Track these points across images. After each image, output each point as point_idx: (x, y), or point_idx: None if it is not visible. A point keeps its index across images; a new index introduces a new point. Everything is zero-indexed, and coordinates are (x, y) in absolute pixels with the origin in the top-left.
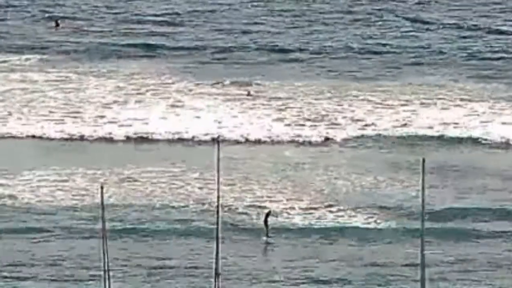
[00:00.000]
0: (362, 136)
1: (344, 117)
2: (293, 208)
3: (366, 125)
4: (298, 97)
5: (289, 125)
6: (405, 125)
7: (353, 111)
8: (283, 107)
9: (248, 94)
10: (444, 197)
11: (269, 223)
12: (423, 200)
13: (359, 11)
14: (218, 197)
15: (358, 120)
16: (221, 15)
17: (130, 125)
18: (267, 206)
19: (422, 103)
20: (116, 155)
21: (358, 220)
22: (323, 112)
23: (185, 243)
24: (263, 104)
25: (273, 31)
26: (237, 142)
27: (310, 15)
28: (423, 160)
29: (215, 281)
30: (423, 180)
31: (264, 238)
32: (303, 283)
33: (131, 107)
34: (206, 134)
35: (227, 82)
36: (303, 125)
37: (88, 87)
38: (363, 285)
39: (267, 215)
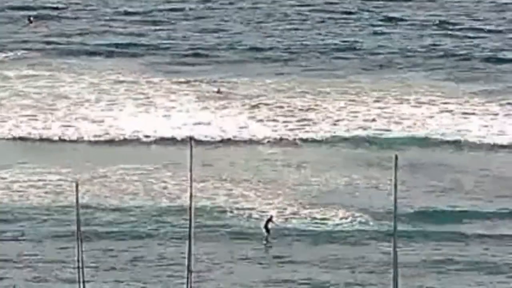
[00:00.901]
0: (335, 133)
1: (317, 114)
2: (269, 206)
3: (338, 122)
4: (269, 94)
5: (261, 122)
6: (377, 122)
7: (325, 108)
8: (254, 104)
9: (218, 92)
10: (415, 197)
11: (270, 227)
12: (395, 197)
13: (333, 9)
14: (191, 195)
15: (330, 117)
16: (194, 14)
17: (102, 123)
18: (245, 206)
19: (395, 100)
20: (89, 153)
21: (332, 219)
22: (296, 110)
23: (157, 241)
24: (235, 101)
25: (246, 30)
26: (210, 141)
27: (285, 14)
28: (396, 157)
29: (188, 278)
30: (395, 177)
31: (264, 242)
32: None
33: (104, 105)
34: (178, 132)
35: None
36: (275, 121)
37: (61, 85)
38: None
39: (268, 220)
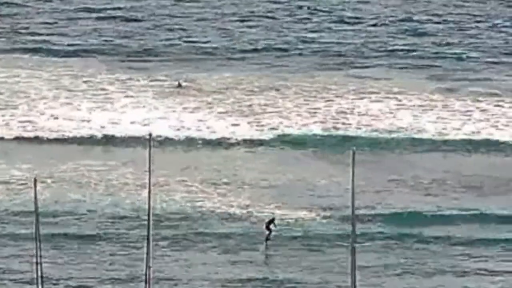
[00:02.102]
0: (294, 129)
1: (276, 110)
2: (227, 205)
3: (297, 118)
4: (228, 90)
5: (221, 118)
6: (337, 118)
7: (284, 104)
8: (213, 100)
9: (179, 85)
10: (373, 195)
11: (271, 228)
12: (353, 195)
13: (293, 7)
14: (149, 192)
15: (290, 113)
16: (155, 12)
17: (61, 119)
18: (205, 204)
19: (355, 96)
20: (47, 150)
21: (293, 217)
22: (255, 106)
23: (115, 238)
24: (194, 97)
25: (206, 27)
26: (169, 136)
27: (246, 12)
28: (353, 153)
29: (146, 273)
30: (353, 173)
31: (264, 244)
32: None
33: (62, 101)
34: (138, 128)
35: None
36: (234, 117)
37: (20, 82)
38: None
39: (270, 221)
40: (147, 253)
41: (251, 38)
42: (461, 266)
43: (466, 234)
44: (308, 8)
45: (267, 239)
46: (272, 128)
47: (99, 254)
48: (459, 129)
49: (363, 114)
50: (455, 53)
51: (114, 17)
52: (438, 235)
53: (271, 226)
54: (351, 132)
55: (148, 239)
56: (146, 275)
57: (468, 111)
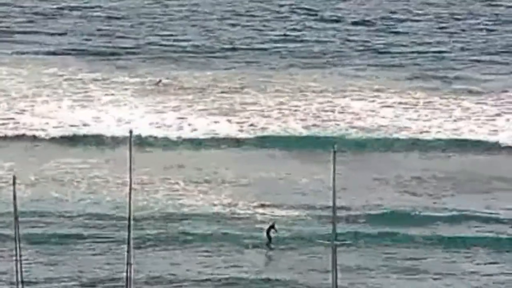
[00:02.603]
0: (275, 128)
1: (257, 109)
2: (209, 204)
3: (278, 116)
4: (209, 88)
5: (201, 116)
6: (318, 117)
7: (265, 102)
8: (194, 98)
9: (159, 82)
10: (354, 194)
11: (272, 234)
12: (334, 193)
13: (274, 5)
14: (130, 189)
15: (270, 111)
16: (135, 11)
17: (42, 118)
18: (186, 203)
19: (336, 95)
20: (28, 148)
21: (275, 216)
22: (236, 105)
23: (97, 234)
24: (174, 95)
25: (186, 26)
26: (150, 135)
27: (225, 11)
28: (334, 151)
29: (127, 270)
30: (334, 171)
31: (265, 250)
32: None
33: (43, 100)
34: (119, 127)
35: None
36: (215, 115)
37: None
38: None
39: (271, 227)
40: (128, 251)
41: (232, 36)
42: (443, 266)
43: (447, 234)
44: (289, 6)
45: (269, 245)
46: (253, 126)
47: (80, 254)
48: (440, 127)
49: (344, 113)
50: (436, 52)
51: (94, 16)
52: (419, 234)
53: (271, 232)
54: (332, 130)
55: (128, 236)
56: (127, 272)
57: (449, 109)
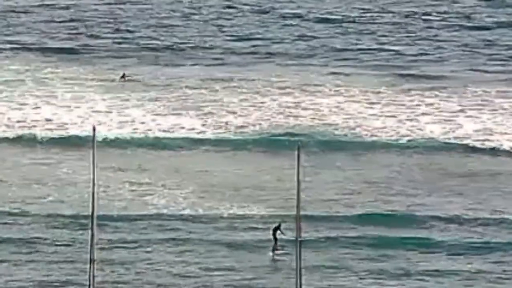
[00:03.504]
0: (239, 125)
1: (221, 106)
2: (174, 203)
3: (242, 114)
4: (172, 85)
5: (165, 113)
6: (282, 114)
7: (229, 100)
8: (157, 95)
9: (123, 76)
10: (317, 194)
11: (277, 236)
12: (298, 190)
13: (236, 5)
14: (94, 185)
15: (234, 108)
16: (97, 10)
17: (4, 116)
18: (148, 200)
19: (300, 93)
20: None
21: (239, 214)
22: (200, 102)
23: (58, 231)
24: (138, 92)
25: (148, 25)
26: (113, 132)
27: (192, 9)
28: (298, 147)
29: (90, 266)
30: (298, 167)
31: (271, 253)
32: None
33: (6, 97)
34: (82, 123)
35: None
36: (180, 114)
37: None
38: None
39: (276, 228)
40: (91, 246)
41: (195, 34)
42: (410, 267)
43: (414, 235)
44: (252, 5)
45: (275, 249)
46: (217, 124)
47: (42, 256)
48: (405, 123)
49: (308, 110)
50: (401, 49)
51: (58, 14)
52: (385, 235)
53: (278, 234)
54: (297, 128)
55: (92, 233)
56: (89, 269)
57: (413, 105)
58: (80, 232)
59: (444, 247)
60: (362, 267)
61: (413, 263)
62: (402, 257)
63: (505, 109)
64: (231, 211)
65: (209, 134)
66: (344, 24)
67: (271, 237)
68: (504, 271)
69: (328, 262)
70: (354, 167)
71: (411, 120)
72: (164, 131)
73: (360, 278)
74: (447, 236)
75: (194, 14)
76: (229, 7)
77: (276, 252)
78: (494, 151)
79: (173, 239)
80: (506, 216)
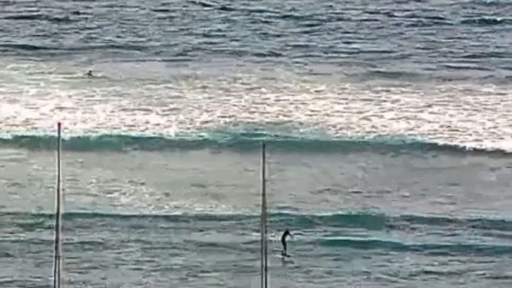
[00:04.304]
0: (204, 122)
1: (186, 103)
2: (140, 202)
3: (209, 111)
4: (138, 81)
5: (130, 110)
6: (249, 110)
7: (194, 97)
8: (123, 91)
9: (89, 73)
10: (281, 193)
11: (286, 241)
12: (263, 187)
13: (204, 2)
14: (59, 182)
15: (200, 106)
16: (62, 7)
17: None
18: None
19: (267, 90)
20: None
21: (201, 210)
22: (164, 99)
23: (26, 229)
24: (104, 87)
25: (109, 23)
26: (79, 128)
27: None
28: (263, 145)
29: (55, 263)
30: (263, 165)
31: (281, 256)
32: None
33: None
34: (47, 120)
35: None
36: (144, 110)
37: None
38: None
39: (285, 233)
40: (56, 241)
41: (159, 32)
42: (374, 268)
43: (368, 236)
44: (216, 2)
45: (284, 254)
46: (182, 121)
47: (6, 257)
48: (370, 120)
49: (274, 106)
50: (366, 46)
51: (23, 10)
52: (340, 238)
53: (287, 238)
54: (262, 125)
55: (56, 230)
56: (55, 265)
57: (380, 101)
58: (45, 230)
59: (411, 247)
60: (327, 268)
61: (380, 264)
62: (370, 257)
63: (470, 105)
64: (196, 210)
65: (174, 131)
66: (309, 21)
67: (281, 243)
68: (472, 270)
69: (296, 262)
70: (319, 164)
71: (377, 116)
72: (129, 127)
73: (325, 279)
74: (413, 236)
75: (159, 11)
76: (193, 2)
77: (285, 257)
78: (459, 148)
79: (139, 238)
80: (472, 215)
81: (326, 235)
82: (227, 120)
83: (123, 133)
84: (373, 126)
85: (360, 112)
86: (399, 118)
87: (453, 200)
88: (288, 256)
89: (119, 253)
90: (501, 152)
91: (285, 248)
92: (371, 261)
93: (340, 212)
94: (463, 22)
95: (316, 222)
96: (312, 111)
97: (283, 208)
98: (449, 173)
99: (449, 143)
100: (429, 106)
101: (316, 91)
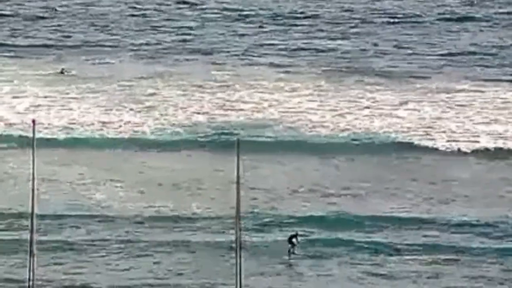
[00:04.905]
0: (177, 119)
1: (160, 101)
2: (112, 201)
3: (182, 108)
4: (111, 78)
5: (104, 107)
6: (223, 108)
7: (168, 94)
8: (97, 88)
9: (62, 72)
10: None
11: (295, 243)
12: (238, 187)
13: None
14: (33, 180)
15: (174, 103)
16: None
17: None
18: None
19: (241, 87)
20: None
21: (175, 214)
22: (138, 96)
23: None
24: (77, 84)
25: (77, 22)
26: (52, 126)
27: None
28: (238, 143)
29: (29, 261)
30: (238, 162)
31: (287, 257)
32: None
33: None
34: (20, 117)
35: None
36: (119, 109)
37: None
38: None
39: (294, 236)
40: (31, 239)
41: (131, 29)
42: (349, 269)
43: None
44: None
45: (291, 252)
46: (156, 119)
47: None
48: (344, 117)
49: (248, 104)
50: (342, 43)
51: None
52: (323, 235)
53: (294, 241)
54: (236, 123)
55: (31, 227)
56: (29, 263)
57: (357, 99)
58: (21, 228)
59: (384, 246)
60: (302, 269)
61: (354, 265)
62: (344, 258)
63: (445, 102)
64: (170, 209)
65: (148, 129)
66: (284, 19)
67: (288, 243)
68: (439, 272)
69: (271, 264)
70: (293, 162)
71: (352, 114)
72: (103, 124)
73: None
74: (386, 237)
75: (131, 8)
76: (160, 3)
77: (293, 255)
78: (434, 147)
79: (118, 237)
80: (443, 216)
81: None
82: (201, 117)
83: (97, 131)
84: (347, 124)
85: (335, 110)
86: (374, 116)
87: (423, 199)
88: (295, 253)
89: (92, 252)
90: (475, 150)
91: (292, 247)
92: (339, 260)
93: (310, 213)
94: (436, 18)
95: (287, 222)
96: (287, 108)
97: (255, 207)
98: (423, 172)
99: (423, 141)
100: (405, 103)
101: (291, 89)
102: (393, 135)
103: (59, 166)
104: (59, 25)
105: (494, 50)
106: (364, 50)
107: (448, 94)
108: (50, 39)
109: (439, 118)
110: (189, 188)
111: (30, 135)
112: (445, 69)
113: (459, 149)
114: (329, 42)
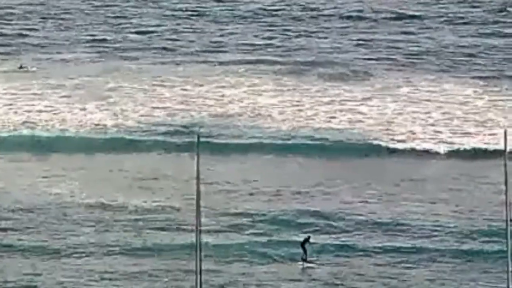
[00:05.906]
0: (136, 116)
1: (120, 96)
2: (78, 199)
3: (141, 104)
4: (73, 74)
5: (66, 104)
6: (184, 103)
7: (129, 89)
8: (59, 84)
9: (21, 67)
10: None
11: (306, 247)
12: (198, 182)
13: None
14: None
15: (134, 99)
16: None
17: None
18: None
19: (202, 82)
20: None
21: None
22: (100, 91)
23: None
24: (39, 80)
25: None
26: (14, 122)
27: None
28: (198, 138)
29: None
30: (198, 158)
31: (301, 262)
32: None
33: None
34: None
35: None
36: (82, 103)
37: None
38: None
39: (306, 240)
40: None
41: (94, 25)
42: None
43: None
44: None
45: (304, 259)
46: (117, 114)
47: None
48: (306, 113)
49: (210, 100)
50: (307, 40)
51: None
52: (280, 238)
53: (306, 245)
54: (197, 118)
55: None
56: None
57: (321, 95)
58: None
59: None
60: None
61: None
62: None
63: (409, 97)
64: (129, 204)
65: (109, 124)
66: (246, 16)
67: (301, 248)
68: (404, 274)
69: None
70: (251, 160)
71: (312, 110)
72: (62, 121)
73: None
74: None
75: (93, 5)
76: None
77: (305, 262)
78: (395, 142)
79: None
80: (405, 222)
81: (254, 236)
82: (162, 113)
83: (56, 128)
84: (308, 118)
85: (295, 105)
86: (336, 111)
87: (379, 199)
88: (308, 261)
89: (52, 250)
90: (437, 145)
91: (305, 253)
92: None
93: (265, 212)
94: (400, 15)
95: (244, 223)
96: (248, 104)
97: (216, 205)
98: (387, 173)
99: (385, 137)
100: (368, 99)
101: (252, 84)
102: (355, 131)
103: (21, 162)
104: (18, 23)
105: (453, 48)
106: (325, 47)
107: (410, 88)
108: (7, 35)
109: (400, 113)
110: (147, 183)
111: None
112: (404, 65)
113: (419, 147)
114: (291, 38)
